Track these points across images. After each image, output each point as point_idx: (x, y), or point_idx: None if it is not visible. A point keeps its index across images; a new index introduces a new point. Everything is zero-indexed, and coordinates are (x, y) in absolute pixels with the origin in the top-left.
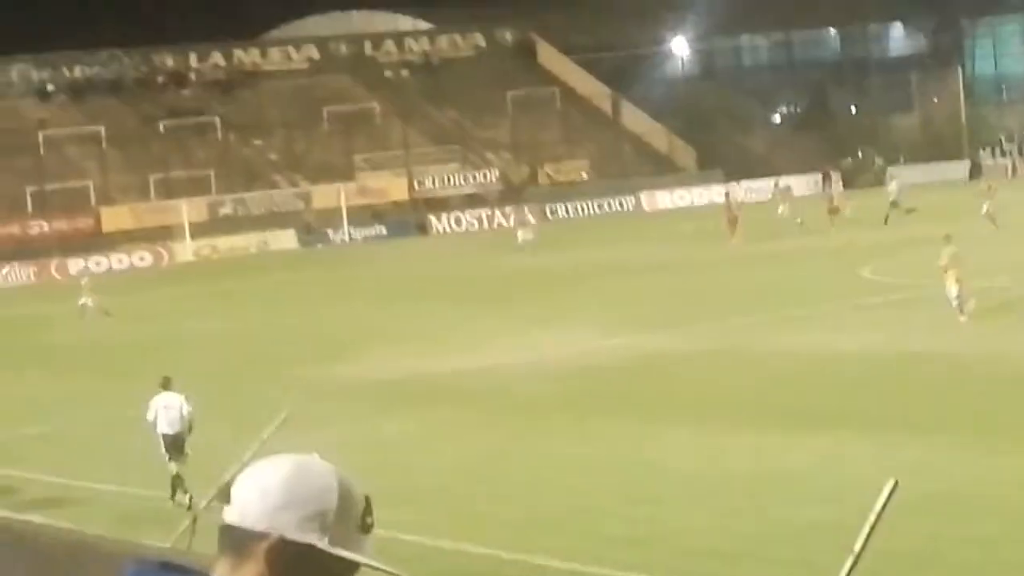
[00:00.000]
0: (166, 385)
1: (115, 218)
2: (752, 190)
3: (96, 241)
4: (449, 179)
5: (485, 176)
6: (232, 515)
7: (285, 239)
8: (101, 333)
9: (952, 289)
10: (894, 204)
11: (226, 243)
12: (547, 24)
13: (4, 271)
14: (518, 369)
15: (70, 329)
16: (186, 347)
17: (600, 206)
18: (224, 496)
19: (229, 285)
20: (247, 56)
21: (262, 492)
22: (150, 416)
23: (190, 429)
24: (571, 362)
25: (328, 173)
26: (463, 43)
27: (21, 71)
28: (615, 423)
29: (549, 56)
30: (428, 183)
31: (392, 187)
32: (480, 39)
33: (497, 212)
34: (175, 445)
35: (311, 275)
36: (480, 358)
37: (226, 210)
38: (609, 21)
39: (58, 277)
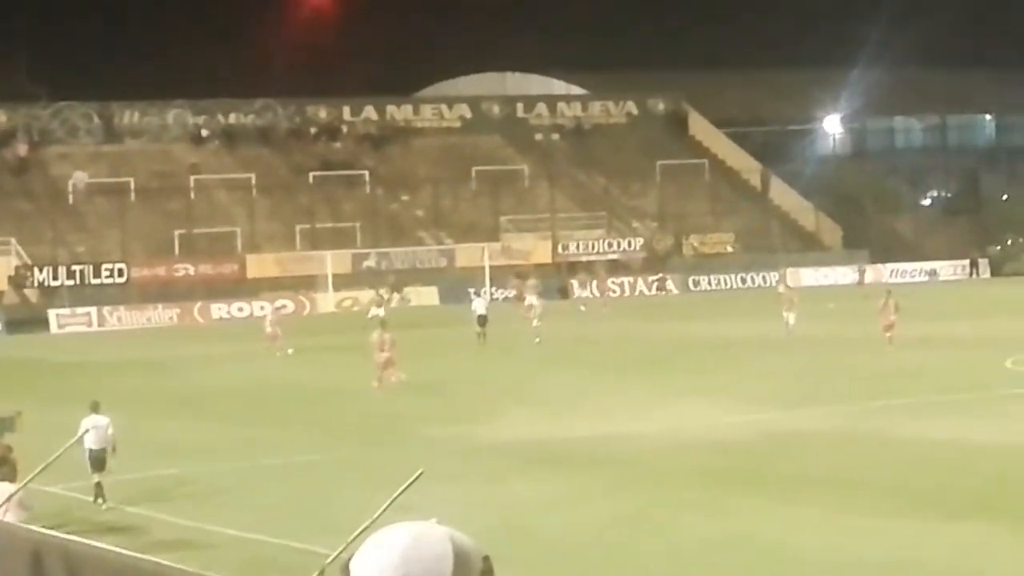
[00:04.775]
0: (95, 408)
1: (260, 265)
2: (898, 272)
3: (240, 287)
4: (593, 245)
5: (630, 244)
6: None
7: (427, 295)
8: (238, 378)
9: None
10: None
11: (368, 296)
12: (700, 95)
13: (148, 313)
14: (653, 439)
15: (209, 373)
16: (326, 400)
17: (743, 280)
18: (344, 570)
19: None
20: (400, 112)
21: (380, 568)
22: (80, 433)
23: (113, 448)
24: (706, 435)
25: (473, 232)
26: (615, 110)
27: (177, 115)
28: (747, 500)
29: (700, 127)
30: (572, 247)
31: (536, 249)
32: (632, 107)
33: (639, 280)
34: (99, 459)
35: (451, 333)
36: (614, 425)
37: (370, 263)
38: (762, 96)
39: (200, 320)
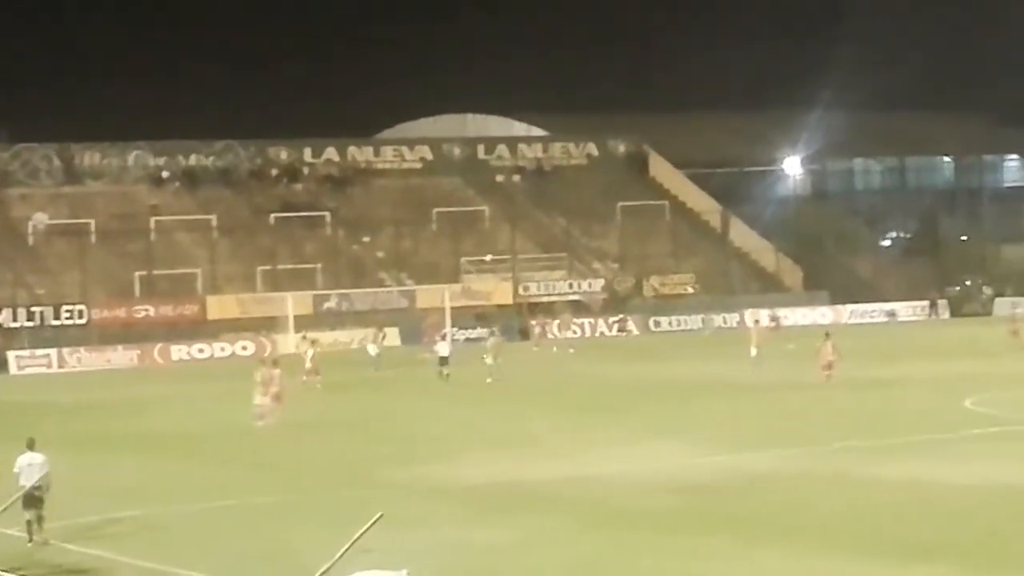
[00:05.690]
0: (31, 446)
1: (221, 306)
2: (857, 313)
3: (200, 328)
4: (554, 286)
5: (590, 284)
6: None
7: (389, 336)
8: (198, 420)
9: None
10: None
11: (328, 337)
12: (660, 137)
13: (108, 354)
14: (615, 480)
15: (169, 414)
16: (287, 441)
17: (704, 321)
18: None
19: (329, 379)
20: (360, 153)
21: None
22: (16, 470)
23: (47, 486)
24: (668, 476)
25: (434, 273)
26: (575, 151)
27: (138, 157)
28: (709, 542)
29: (661, 169)
30: (533, 288)
31: (497, 291)
32: (593, 148)
33: (600, 321)
34: (34, 497)
35: (411, 373)
36: (577, 467)
37: (330, 304)
38: (722, 138)
39: (160, 362)
